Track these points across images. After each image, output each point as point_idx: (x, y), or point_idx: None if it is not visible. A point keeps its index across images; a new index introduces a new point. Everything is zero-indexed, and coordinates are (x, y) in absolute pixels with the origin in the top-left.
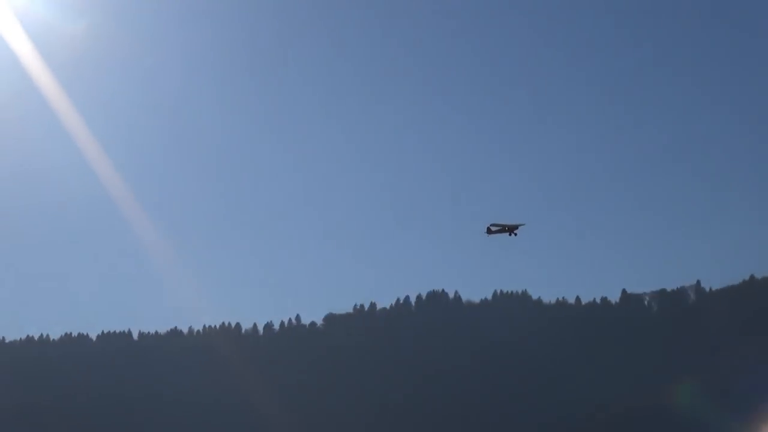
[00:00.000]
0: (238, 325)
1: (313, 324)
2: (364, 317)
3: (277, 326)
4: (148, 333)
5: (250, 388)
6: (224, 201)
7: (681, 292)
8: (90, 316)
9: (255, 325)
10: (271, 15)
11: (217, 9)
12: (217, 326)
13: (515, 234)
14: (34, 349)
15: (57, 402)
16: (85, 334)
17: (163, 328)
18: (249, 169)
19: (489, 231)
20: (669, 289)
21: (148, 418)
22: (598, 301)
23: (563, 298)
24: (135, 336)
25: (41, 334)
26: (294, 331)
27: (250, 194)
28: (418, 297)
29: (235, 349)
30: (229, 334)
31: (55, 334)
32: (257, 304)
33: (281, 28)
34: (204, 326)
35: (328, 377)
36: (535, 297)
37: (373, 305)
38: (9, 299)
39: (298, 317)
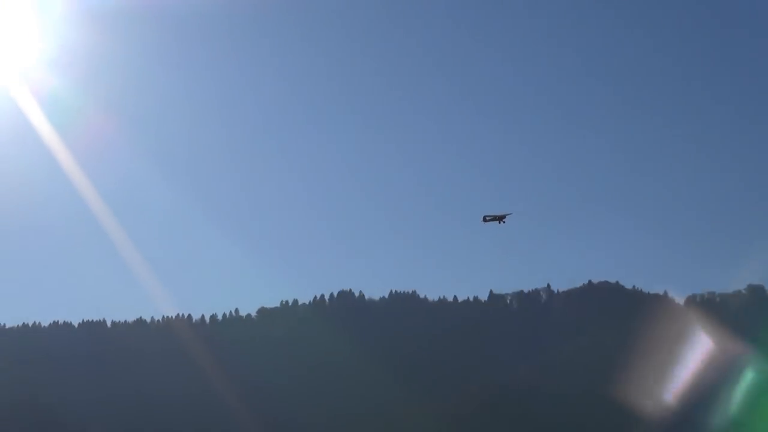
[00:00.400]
0: (189, 315)
1: (248, 315)
2: (289, 311)
3: (220, 317)
4: (119, 321)
5: (201, 367)
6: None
7: (535, 293)
8: (73, 306)
9: (203, 315)
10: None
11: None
12: (173, 316)
13: (504, 222)
14: (29, 334)
15: (48, 380)
16: (69, 321)
17: (130, 318)
18: (200, 171)
19: (484, 219)
20: (526, 291)
21: (123, 395)
22: (471, 299)
23: (444, 296)
24: (108, 324)
25: (34, 322)
26: (234, 321)
27: (191, 202)
28: (331, 295)
29: (189, 335)
30: (182, 323)
31: (45, 322)
32: (204, 297)
33: (273, 39)
34: (163, 316)
35: (261, 361)
36: (422, 296)
37: (296, 301)
38: (8, 291)
39: (236, 310)
